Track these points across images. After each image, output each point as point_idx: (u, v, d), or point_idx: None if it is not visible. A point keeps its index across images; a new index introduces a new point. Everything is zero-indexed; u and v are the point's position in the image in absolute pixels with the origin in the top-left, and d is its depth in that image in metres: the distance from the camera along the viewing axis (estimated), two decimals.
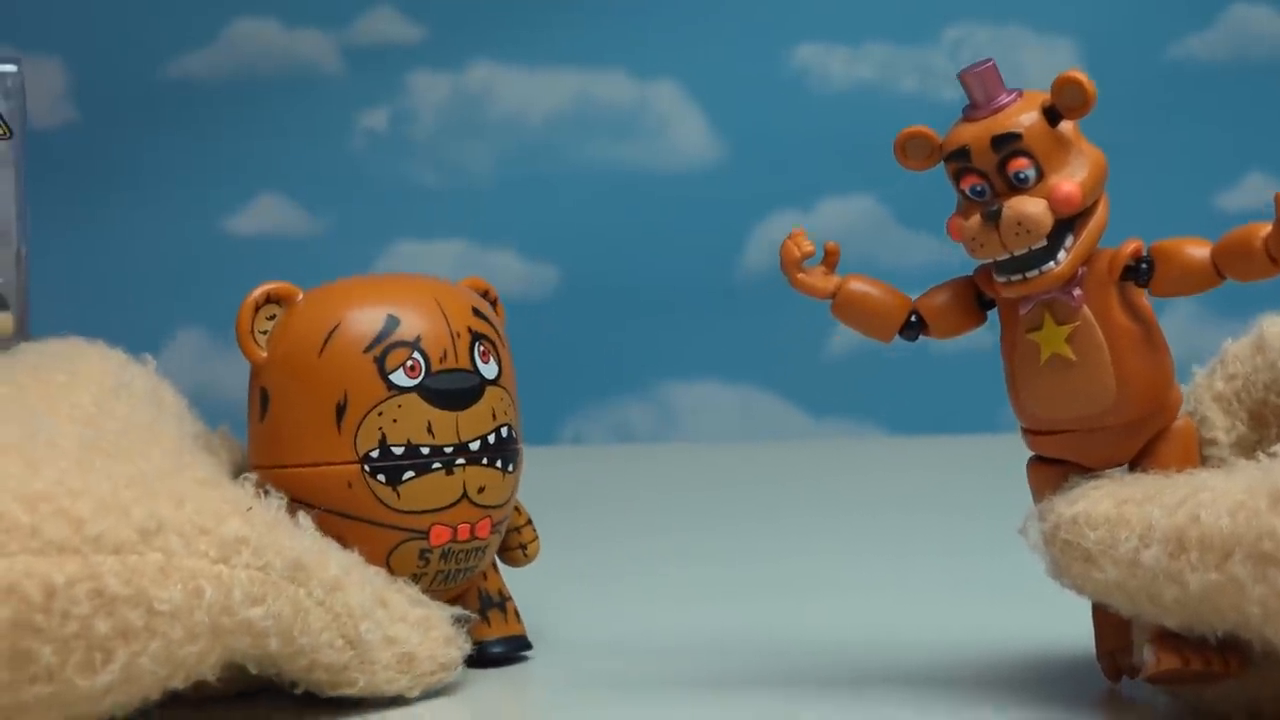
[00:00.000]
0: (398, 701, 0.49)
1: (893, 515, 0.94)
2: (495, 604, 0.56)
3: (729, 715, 0.49)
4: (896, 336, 0.50)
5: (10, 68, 0.62)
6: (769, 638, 0.60)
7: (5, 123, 0.61)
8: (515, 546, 0.57)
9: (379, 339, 0.52)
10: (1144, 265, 0.47)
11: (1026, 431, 0.49)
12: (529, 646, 0.56)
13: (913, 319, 0.50)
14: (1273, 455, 0.44)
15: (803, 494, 1.05)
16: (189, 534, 0.43)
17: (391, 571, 0.52)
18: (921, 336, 0.50)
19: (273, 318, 0.53)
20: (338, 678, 0.47)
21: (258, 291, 0.53)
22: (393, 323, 0.53)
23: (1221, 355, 0.51)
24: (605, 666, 0.56)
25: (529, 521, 0.58)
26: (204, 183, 1.43)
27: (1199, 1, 1.43)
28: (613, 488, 1.11)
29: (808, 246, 0.51)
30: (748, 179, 1.43)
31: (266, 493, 0.49)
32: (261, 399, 0.53)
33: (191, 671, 0.43)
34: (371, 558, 0.51)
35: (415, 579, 0.52)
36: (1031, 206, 0.46)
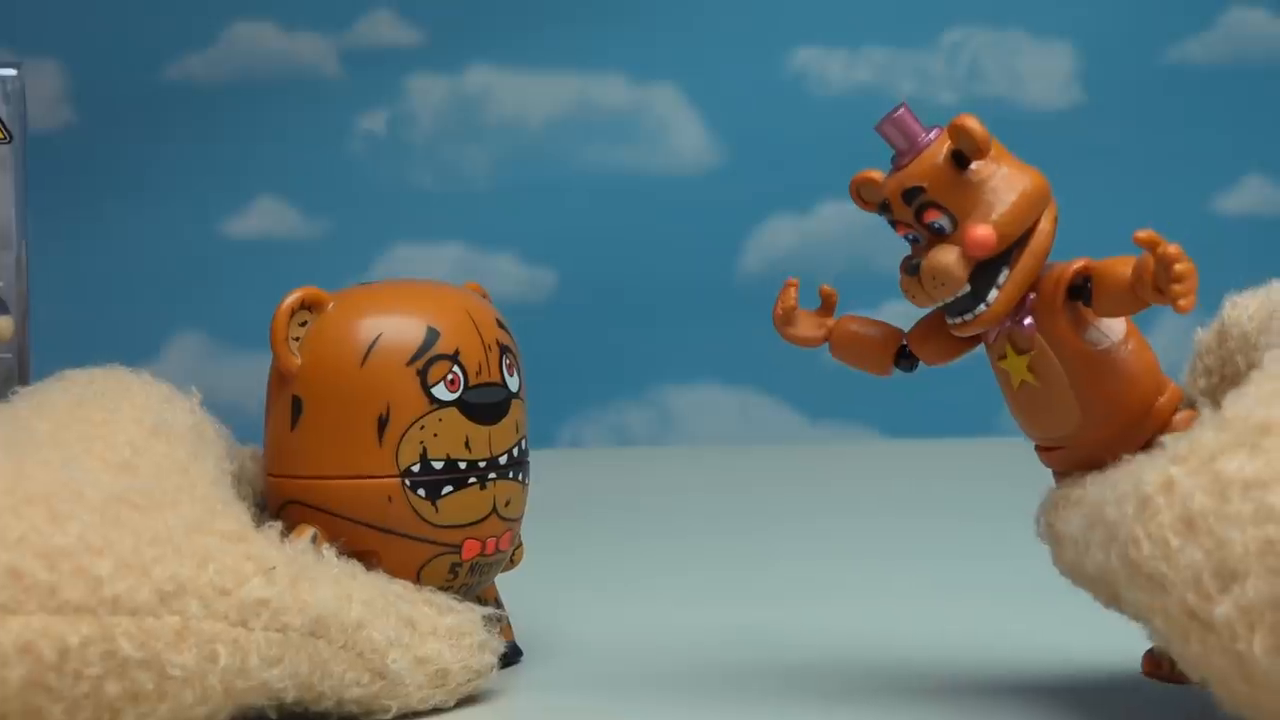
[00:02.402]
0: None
1: (890, 519, 0.94)
2: None
3: (727, 717, 0.49)
4: (894, 369, 0.50)
5: (10, 72, 0.62)
6: (766, 641, 0.60)
7: (5, 127, 0.61)
8: None
9: (421, 352, 0.52)
10: (1088, 285, 0.46)
11: (1035, 448, 0.49)
12: (520, 654, 0.57)
13: (905, 350, 0.50)
14: (1160, 445, 0.43)
15: (800, 497, 1.05)
16: (209, 596, 0.43)
17: (420, 585, 0.51)
18: (920, 365, 0.50)
19: (304, 324, 0.52)
20: (370, 706, 0.48)
21: (292, 297, 0.52)
22: (433, 335, 0.52)
23: (1195, 349, 0.51)
24: (602, 668, 0.56)
25: None
26: (202, 185, 1.43)
27: (1196, 4, 1.43)
28: (611, 491, 1.11)
29: (790, 302, 0.51)
30: (746, 182, 1.43)
31: (287, 538, 0.48)
32: (294, 407, 0.52)
33: None
34: (402, 572, 0.51)
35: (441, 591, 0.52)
36: (945, 257, 0.46)
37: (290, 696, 0.45)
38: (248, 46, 1.44)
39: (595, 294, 1.42)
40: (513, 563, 0.57)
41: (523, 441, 0.54)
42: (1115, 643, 0.51)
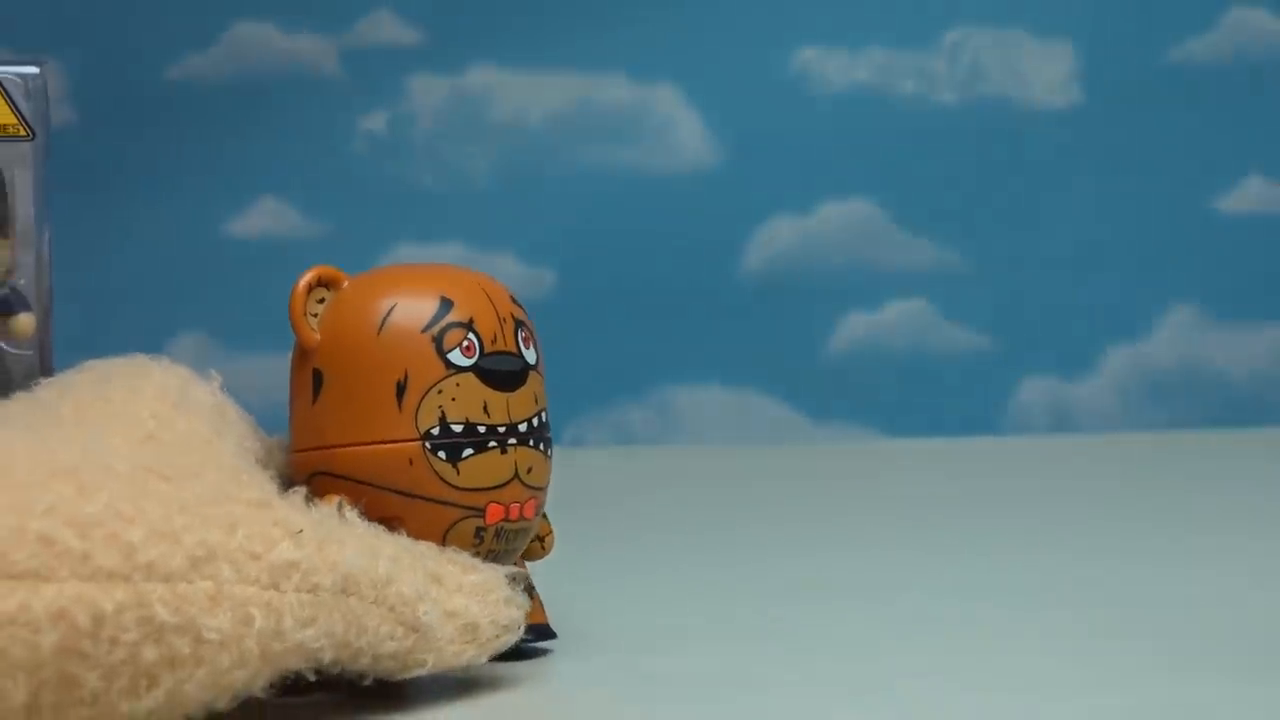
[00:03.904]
0: (417, 694, 0.50)
1: (892, 518, 0.94)
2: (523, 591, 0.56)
3: (725, 716, 0.49)
4: None
5: (32, 69, 0.62)
6: (767, 640, 0.60)
7: (28, 124, 0.61)
8: (533, 539, 0.58)
9: (436, 319, 0.53)
10: None
11: None
12: (553, 635, 0.57)
13: None
14: None
15: (802, 497, 1.06)
16: (240, 561, 0.43)
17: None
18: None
19: (321, 301, 0.54)
20: (405, 661, 0.48)
21: (309, 274, 0.54)
22: (447, 304, 0.54)
23: None
24: (601, 666, 0.56)
25: (544, 515, 0.58)
26: (203, 186, 1.43)
27: (1198, 4, 1.43)
28: (612, 490, 1.11)
29: None
30: (747, 182, 1.43)
31: (312, 502, 0.49)
32: (315, 381, 0.53)
33: (239, 693, 0.43)
34: (427, 536, 0.52)
35: None
36: None
37: (328, 656, 0.46)
38: (249, 47, 1.44)
39: (596, 293, 1.42)
40: (544, 548, 0.58)
41: (543, 413, 0.55)
42: (1115, 643, 0.51)
